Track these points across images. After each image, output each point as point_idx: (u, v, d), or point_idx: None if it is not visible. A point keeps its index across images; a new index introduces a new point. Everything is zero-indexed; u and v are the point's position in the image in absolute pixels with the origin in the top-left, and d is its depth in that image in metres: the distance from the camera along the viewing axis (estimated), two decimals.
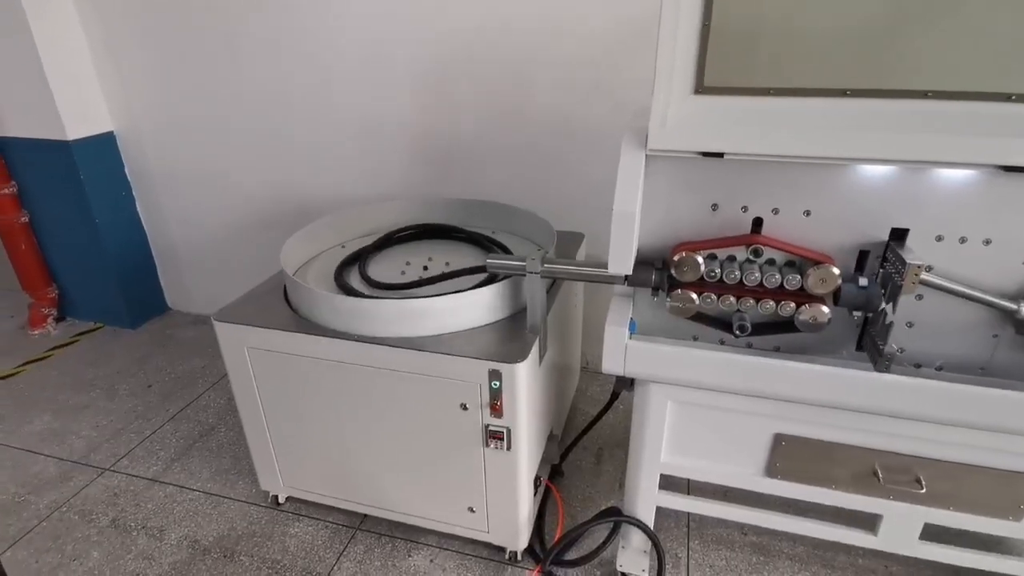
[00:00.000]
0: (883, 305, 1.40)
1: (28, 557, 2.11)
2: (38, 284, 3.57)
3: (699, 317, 1.55)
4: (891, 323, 1.40)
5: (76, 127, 3.12)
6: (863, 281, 1.40)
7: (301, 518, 2.22)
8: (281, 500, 2.27)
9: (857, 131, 1.25)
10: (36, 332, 3.58)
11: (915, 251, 1.37)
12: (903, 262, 1.30)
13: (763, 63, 1.26)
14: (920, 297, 1.48)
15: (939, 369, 1.52)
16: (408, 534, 2.14)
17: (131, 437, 2.69)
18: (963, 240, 1.37)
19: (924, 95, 1.22)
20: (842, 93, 1.25)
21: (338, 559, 2.06)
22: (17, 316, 3.72)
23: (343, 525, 2.18)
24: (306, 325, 1.85)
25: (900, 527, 1.63)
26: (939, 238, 1.38)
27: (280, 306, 1.97)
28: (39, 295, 3.60)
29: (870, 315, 1.45)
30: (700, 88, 1.30)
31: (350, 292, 1.94)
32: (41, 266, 3.56)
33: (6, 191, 3.29)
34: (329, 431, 1.97)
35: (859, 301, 1.40)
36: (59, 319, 3.71)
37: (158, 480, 2.44)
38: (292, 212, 3.20)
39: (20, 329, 3.64)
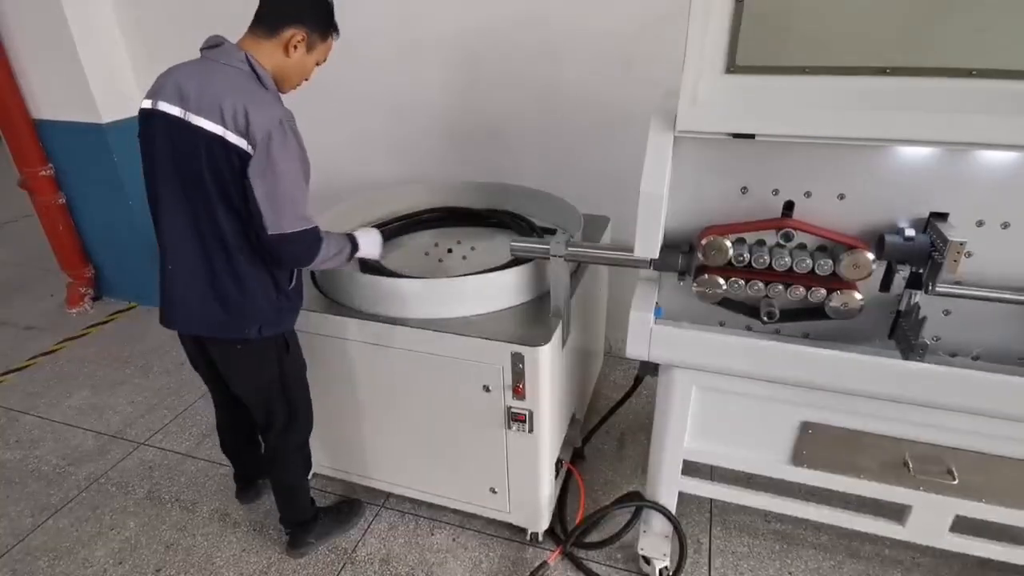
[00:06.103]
0: (926, 267, 1.32)
1: (69, 526, 2.20)
2: (75, 264, 3.68)
3: (726, 303, 1.53)
4: (924, 317, 1.36)
5: (110, 110, 3.19)
6: (909, 232, 1.32)
7: (327, 495, 2.27)
8: (308, 477, 2.32)
9: (897, 111, 1.21)
10: (74, 311, 3.70)
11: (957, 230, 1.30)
12: (944, 239, 1.25)
13: (798, 41, 1.22)
14: (948, 312, 1.44)
15: (975, 359, 1.47)
16: (431, 512, 2.17)
17: (164, 413, 2.77)
18: (1005, 225, 1.32)
19: (968, 73, 1.17)
20: (881, 71, 1.21)
21: (363, 535, 2.11)
22: (56, 295, 3.84)
23: (367, 502, 2.22)
24: (332, 306, 1.88)
25: (930, 519, 1.60)
26: (980, 223, 1.33)
27: (307, 286, 1.99)
28: (76, 275, 3.71)
29: (915, 269, 1.36)
30: (732, 67, 1.27)
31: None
32: (78, 246, 3.66)
33: (44, 173, 3.38)
34: (354, 410, 2.00)
35: (905, 253, 1.32)
36: (95, 298, 3.82)
37: (191, 455, 2.52)
38: (319, 194, 3.18)
39: (59, 307, 3.76)
